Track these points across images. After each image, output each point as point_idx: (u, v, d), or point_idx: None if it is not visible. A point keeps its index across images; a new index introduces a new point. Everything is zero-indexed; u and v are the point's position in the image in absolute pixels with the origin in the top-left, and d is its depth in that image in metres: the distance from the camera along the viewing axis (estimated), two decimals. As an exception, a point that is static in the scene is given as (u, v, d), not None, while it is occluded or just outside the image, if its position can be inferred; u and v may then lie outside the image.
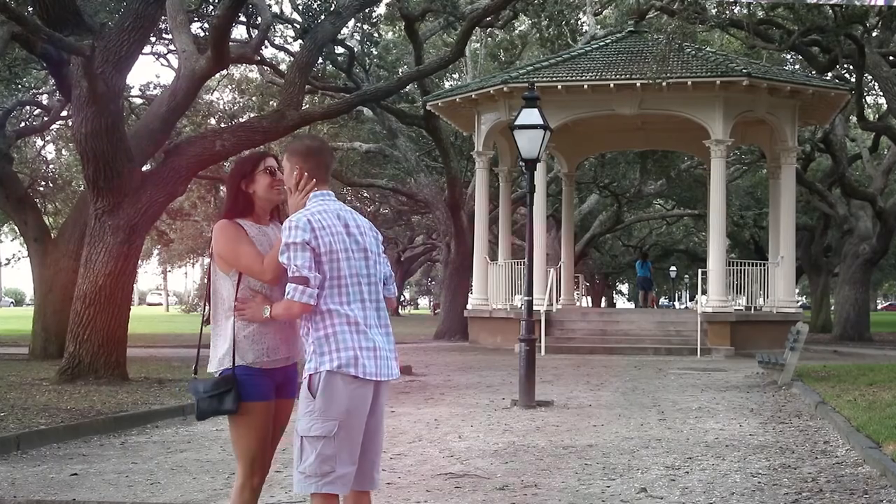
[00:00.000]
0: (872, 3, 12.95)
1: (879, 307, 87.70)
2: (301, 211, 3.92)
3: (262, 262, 3.97)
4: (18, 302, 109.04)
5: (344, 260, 3.88)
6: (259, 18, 19.61)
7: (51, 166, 30.86)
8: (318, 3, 22.05)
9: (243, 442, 4.04)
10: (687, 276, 62.11)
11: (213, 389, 3.98)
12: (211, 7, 20.82)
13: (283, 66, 27.88)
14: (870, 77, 25.42)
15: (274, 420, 4.12)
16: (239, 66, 30.89)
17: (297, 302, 3.78)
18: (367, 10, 23.24)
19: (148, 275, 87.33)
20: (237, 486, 4.08)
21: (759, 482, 6.76)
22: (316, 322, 3.85)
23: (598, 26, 30.08)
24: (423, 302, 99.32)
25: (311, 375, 3.82)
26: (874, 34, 23.79)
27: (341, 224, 3.93)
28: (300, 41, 22.44)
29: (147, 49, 23.34)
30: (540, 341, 19.48)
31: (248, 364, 3.99)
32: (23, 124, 25.22)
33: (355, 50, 25.84)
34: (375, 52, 28.12)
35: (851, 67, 24.75)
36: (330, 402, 3.77)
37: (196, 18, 20.94)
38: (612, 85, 20.71)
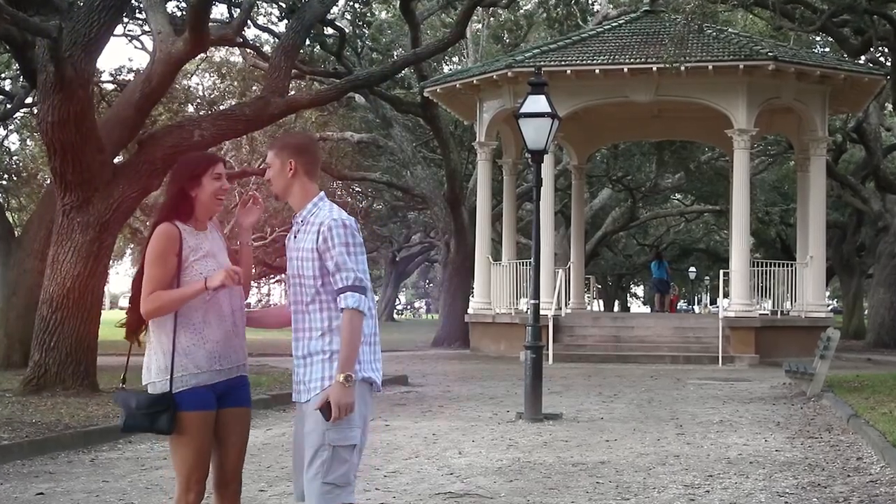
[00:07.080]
0: None
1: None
2: (336, 210, 3.98)
3: (152, 293, 4.07)
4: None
5: None
6: (241, -3, 19.60)
7: (14, 158, 30.87)
8: (306, -21, 22.05)
9: (179, 455, 4.13)
10: (707, 277, 62.17)
11: (148, 408, 4.06)
12: (189, -16, 20.82)
13: (267, 49, 27.88)
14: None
15: (229, 431, 4.18)
16: (219, 48, 30.89)
17: (361, 313, 3.87)
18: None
19: (120, 276, 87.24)
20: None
21: (787, 502, 6.77)
22: (338, 331, 3.93)
23: (611, 6, 30.13)
24: (422, 306, 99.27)
25: None
26: (911, 14, 23.81)
27: None
28: (286, 21, 22.43)
29: (119, 30, 23.36)
30: (547, 349, 19.47)
31: (188, 386, 4.08)
32: (-16, 112, 25.22)
33: (346, 31, 25.85)
34: (368, 34, 28.12)
35: (886, 50, 24.78)
36: (361, 410, 3.97)
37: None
38: (625, 69, 20.72)
